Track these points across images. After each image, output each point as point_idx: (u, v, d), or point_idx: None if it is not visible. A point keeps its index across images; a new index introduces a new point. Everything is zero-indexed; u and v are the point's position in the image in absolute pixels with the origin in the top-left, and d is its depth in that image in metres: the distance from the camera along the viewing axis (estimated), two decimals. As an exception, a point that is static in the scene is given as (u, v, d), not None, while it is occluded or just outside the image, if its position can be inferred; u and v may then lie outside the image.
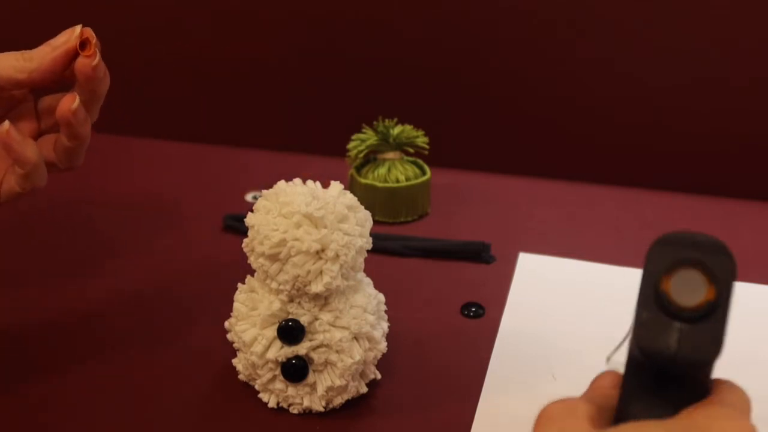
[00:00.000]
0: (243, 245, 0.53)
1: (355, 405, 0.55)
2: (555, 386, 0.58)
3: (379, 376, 0.56)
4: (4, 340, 0.62)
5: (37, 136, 0.54)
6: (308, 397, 0.54)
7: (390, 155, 0.81)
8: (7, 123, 0.50)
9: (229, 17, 0.97)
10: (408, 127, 0.81)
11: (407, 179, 0.80)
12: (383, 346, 0.55)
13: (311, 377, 0.53)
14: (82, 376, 0.58)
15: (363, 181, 0.79)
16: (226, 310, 0.55)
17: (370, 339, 0.54)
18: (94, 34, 0.50)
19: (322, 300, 0.52)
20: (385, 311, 0.57)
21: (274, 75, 0.99)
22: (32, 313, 0.65)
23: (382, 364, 0.57)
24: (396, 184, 0.79)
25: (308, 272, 0.50)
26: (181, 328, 0.63)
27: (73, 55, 0.50)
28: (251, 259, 0.52)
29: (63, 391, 0.56)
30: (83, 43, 0.50)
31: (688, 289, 0.35)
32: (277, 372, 0.53)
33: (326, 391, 0.53)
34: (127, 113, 0.94)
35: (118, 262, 0.72)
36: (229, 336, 0.55)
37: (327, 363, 0.53)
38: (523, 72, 0.92)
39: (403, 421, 0.55)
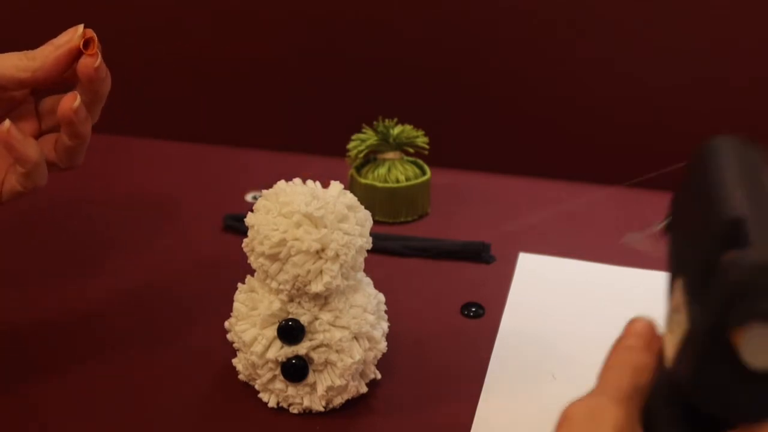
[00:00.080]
0: (243, 245, 0.53)
1: (355, 405, 0.55)
2: (555, 386, 0.58)
3: (379, 376, 0.56)
4: (4, 340, 0.62)
5: (37, 136, 0.54)
6: (308, 397, 0.54)
7: (390, 155, 0.80)
8: (8, 122, 0.50)
9: (229, 17, 0.97)
10: (408, 127, 0.81)
11: (407, 179, 0.80)
12: (383, 345, 0.55)
13: (311, 377, 0.53)
14: (82, 376, 0.58)
15: (363, 181, 0.79)
16: (226, 310, 0.55)
17: (370, 339, 0.54)
18: (95, 35, 0.50)
19: (322, 300, 0.52)
20: (385, 311, 0.57)
21: (274, 75, 0.99)
22: (32, 313, 0.65)
23: (382, 363, 0.57)
24: (396, 184, 0.79)
25: (308, 272, 0.50)
26: (181, 328, 0.63)
27: (76, 54, 0.50)
28: (251, 259, 0.52)
29: (63, 391, 0.56)
30: (86, 42, 0.50)
31: (764, 348, 0.30)
32: (277, 372, 0.53)
33: (326, 391, 0.53)
34: (127, 113, 0.94)
35: (118, 262, 0.72)
36: (229, 336, 0.55)
37: (327, 363, 0.53)
38: (523, 72, 0.92)
39: (403, 421, 0.55)
